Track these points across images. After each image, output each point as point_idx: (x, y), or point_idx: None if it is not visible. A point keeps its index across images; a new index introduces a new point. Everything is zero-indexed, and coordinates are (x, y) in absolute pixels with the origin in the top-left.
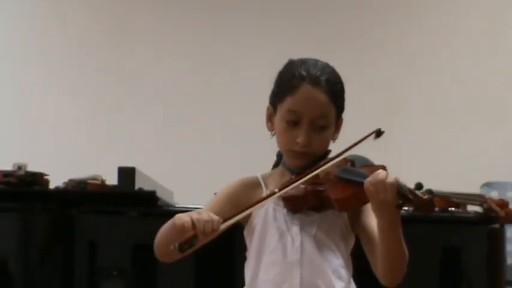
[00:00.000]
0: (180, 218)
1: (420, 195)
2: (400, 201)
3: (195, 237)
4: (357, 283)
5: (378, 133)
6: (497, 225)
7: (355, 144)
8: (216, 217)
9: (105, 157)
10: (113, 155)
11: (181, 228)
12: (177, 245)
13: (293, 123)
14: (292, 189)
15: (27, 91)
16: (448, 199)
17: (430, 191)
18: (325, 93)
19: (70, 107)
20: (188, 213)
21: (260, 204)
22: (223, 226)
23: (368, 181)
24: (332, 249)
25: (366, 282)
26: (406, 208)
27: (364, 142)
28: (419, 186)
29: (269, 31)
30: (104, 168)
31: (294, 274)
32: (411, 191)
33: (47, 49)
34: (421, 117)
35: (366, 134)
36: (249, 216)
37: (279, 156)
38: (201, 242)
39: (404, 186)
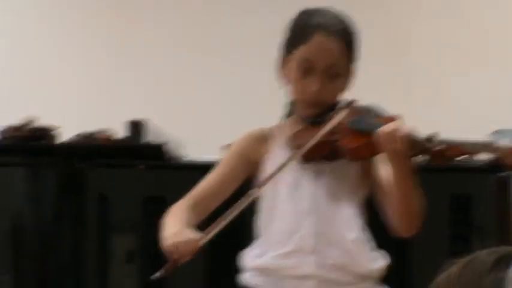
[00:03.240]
0: (165, 240)
1: (432, 145)
2: (413, 152)
3: (178, 260)
4: (370, 233)
5: (349, 104)
6: (507, 173)
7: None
8: (193, 236)
9: (114, 110)
10: (121, 108)
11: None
12: (163, 273)
13: (306, 71)
14: (306, 136)
15: (36, 46)
16: (457, 147)
17: (443, 142)
18: (338, 41)
19: (78, 59)
20: (170, 234)
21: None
22: (203, 241)
23: (379, 130)
24: (344, 198)
25: (379, 232)
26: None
27: (374, 89)
28: (431, 136)
29: None
30: (112, 122)
31: (307, 223)
32: (424, 141)
33: (55, 2)
34: (430, 62)
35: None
36: (260, 167)
37: (290, 105)
38: (186, 259)
39: (417, 136)
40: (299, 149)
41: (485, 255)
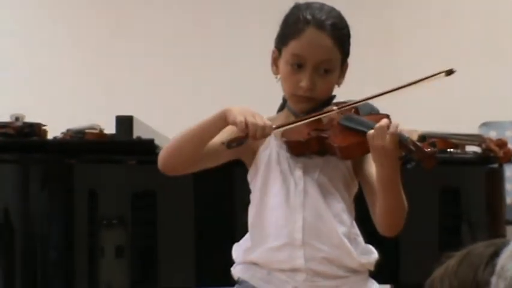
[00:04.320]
0: (233, 114)
1: (423, 147)
2: (403, 153)
3: (245, 138)
4: (360, 228)
5: (449, 72)
6: (496, 165)
7: (422, 79)
8: (268, 122)
9: (103, 106)
10: (110, 104)
11: (233, 125)
12: (225, 142)
13: (297, 67)
14: (296, 131)
15: (24, 42)
16: (446, 140)
17: (433, 144)
18: (330, 37)
19: (67, 56)
20: (241, 110)
21: (313, 118)
22: (275, 132)
23: (370, 129)
24: (334, 193)
25: (369, 226)
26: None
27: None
28: (422, 138)
29: None
30: (102, 118)
31: (297, 217)
32: (414, 143)
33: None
34: (418, 57)
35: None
36: (252, 159)
37: (285, 100)
38: (252, 141)
39: (407, 137)
40: (286, 142)
41: (482, 247)
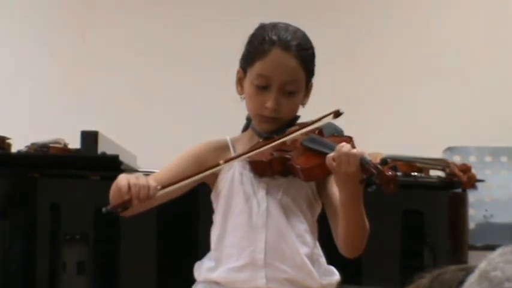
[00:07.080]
0: (120, 179)
1: (384, 170)
2: (364, 176)
3: (129, 201)
4: (323, 249)
5: (337, 114)
6: (459, 190)
7: (314, 122)
8: (153, 184)
9: (68, 121)
10: (75, 119)
11: (118, 190)
12: (109, 208)
13: (262, 87)
14: (256, 154)
15: None
16: (410, 164)
17: (395, 168)
18: (295, 58)
19: (31, 70)
20: (128, 176)
21: (208, 172)
22: (161, 193)
23: (332, 153)
24: (297, 214)
25: (332, 247)
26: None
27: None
28: (384, 162)
29: None
30: (66, 132)
31: (259, 238)
32: (375, 166)
33: (6, 11)
34: (382, 81)
35: (324, 113)
36: (215, 179)
37: (249, 119)
38: (137, 207)
39: (369, 160)
40: (250, 162)
41: (454, 270)
